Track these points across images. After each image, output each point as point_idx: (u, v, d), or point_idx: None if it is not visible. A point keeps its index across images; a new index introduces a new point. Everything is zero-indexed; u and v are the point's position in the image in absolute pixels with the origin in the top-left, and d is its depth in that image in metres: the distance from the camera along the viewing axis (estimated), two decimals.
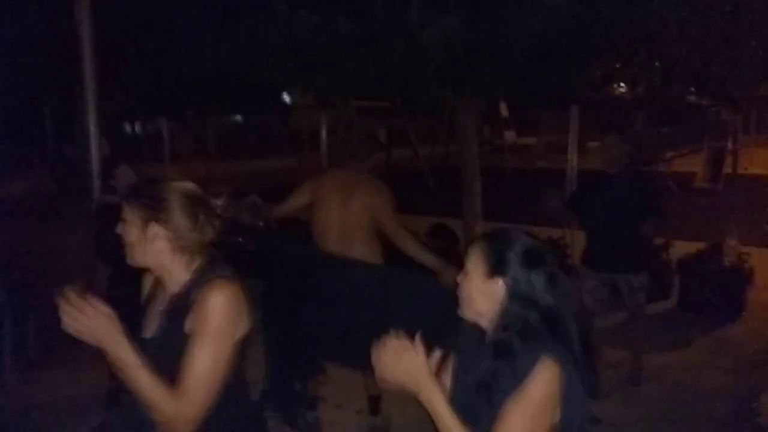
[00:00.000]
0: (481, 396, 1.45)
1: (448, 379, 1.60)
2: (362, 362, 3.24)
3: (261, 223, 6.32)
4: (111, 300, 1.45)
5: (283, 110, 20.09)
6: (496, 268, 1.48)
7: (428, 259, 3.25)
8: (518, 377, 1.39)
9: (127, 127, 19.72)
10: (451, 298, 1.52)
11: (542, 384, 1.38)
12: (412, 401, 1.50)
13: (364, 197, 3.28)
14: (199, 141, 18.84)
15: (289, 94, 17.65)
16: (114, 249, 3.91)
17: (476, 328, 1.55)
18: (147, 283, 1.80)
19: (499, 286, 1.48)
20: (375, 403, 3.71)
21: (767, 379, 4.32)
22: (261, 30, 5.48)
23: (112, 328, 1.42)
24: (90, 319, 1.40)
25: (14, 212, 9.65)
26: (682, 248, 6.37)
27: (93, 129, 5.17)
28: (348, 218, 3.27)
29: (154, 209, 1.56)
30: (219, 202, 5.17)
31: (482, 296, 1.50)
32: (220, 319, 1.50)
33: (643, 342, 4.47)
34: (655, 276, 5.00)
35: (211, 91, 16.09)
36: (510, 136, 18.13)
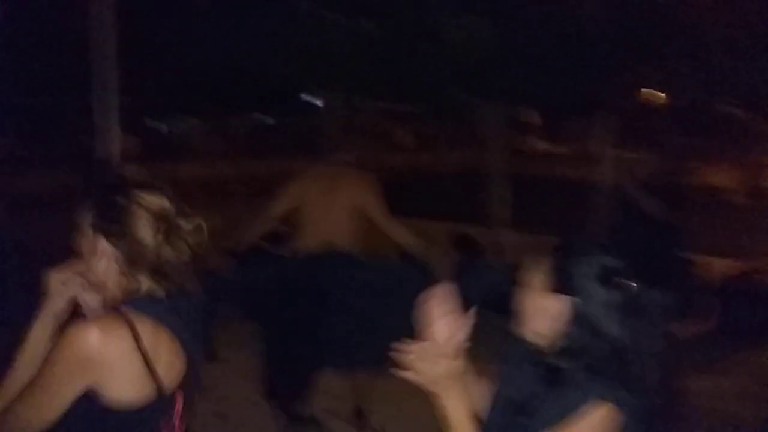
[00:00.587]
0: (517, 419, 1.29)
1: (481, 389, 1.42)
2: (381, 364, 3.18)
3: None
4: None
5: (308, 111, 20.12)
6: (562, 284, 1.27)
7: (417, 245, 3.23)
8: (565, 410, 1.20)
9: (161, 126, 19.92)
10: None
11: (592, 428, 1.19)
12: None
13: (348, 189, 3.23)
14: (227, 140, 18.98)
15: (315, 95, 17.68)
16: None
17: (529, 344, 1.36)
18: None
19: (562, 305, 1.26)
20: (360, 414, 3.58)
21: None
22: (283, 29, 5.40)
23: None
24: None
25: (36, 207, 9.70)
26: (716, 266, 6.10)
27: (106, 124, 5.14)
28: (333, 212, 3.20)
29: (108, 222, 1.31)
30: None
31: (542, 314, 1.29)
32: (62, 355, 1.22)
33: (669, 366, 4.22)
34: (686, 296, 4.77)
35: (237, 91, 16.17)
36: (535, 142, 17.88)
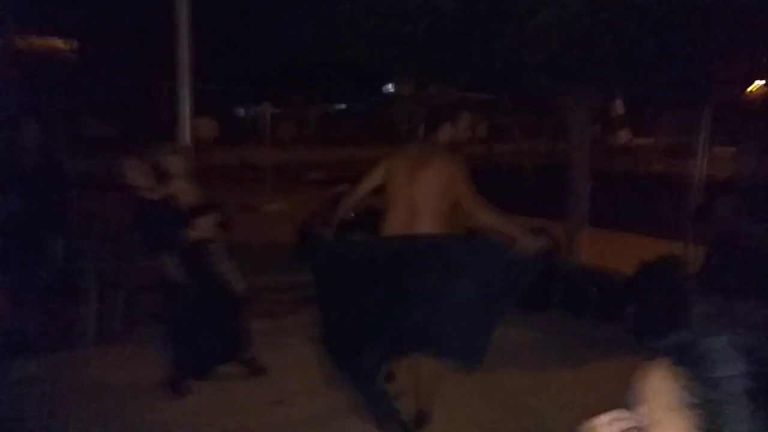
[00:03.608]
0: None
1: None
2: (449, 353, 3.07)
3: (351, 214, 6.07)
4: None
5: (384, 99, 20.02)
6: (686, 402, 0.95)
7: (509, 228, 3.19)
8: None
9: (239, 111, 20.36)
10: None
11: None
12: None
13: (435, 168, 3.22)
14: (301, 127, 19.16)
15: (391, 83, 17.50)
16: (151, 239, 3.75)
17: None
18: None
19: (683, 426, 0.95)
20: (422, 418, 3.41)
21: None
22: (359, 12, 5.19)
23: None
24: None
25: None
26: None
27: (186, 112, 5.18)
28: (420, 190, 3.20)
29: None
30: (275, 207, 5.03)
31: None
32: None
33: None
34: None
35: (315, 78, 16.23)
36: (624, 135, 16.89)
